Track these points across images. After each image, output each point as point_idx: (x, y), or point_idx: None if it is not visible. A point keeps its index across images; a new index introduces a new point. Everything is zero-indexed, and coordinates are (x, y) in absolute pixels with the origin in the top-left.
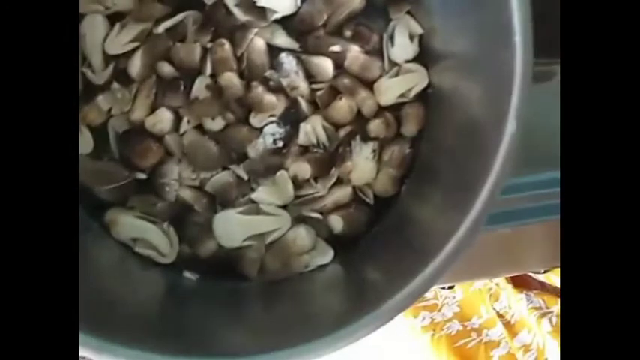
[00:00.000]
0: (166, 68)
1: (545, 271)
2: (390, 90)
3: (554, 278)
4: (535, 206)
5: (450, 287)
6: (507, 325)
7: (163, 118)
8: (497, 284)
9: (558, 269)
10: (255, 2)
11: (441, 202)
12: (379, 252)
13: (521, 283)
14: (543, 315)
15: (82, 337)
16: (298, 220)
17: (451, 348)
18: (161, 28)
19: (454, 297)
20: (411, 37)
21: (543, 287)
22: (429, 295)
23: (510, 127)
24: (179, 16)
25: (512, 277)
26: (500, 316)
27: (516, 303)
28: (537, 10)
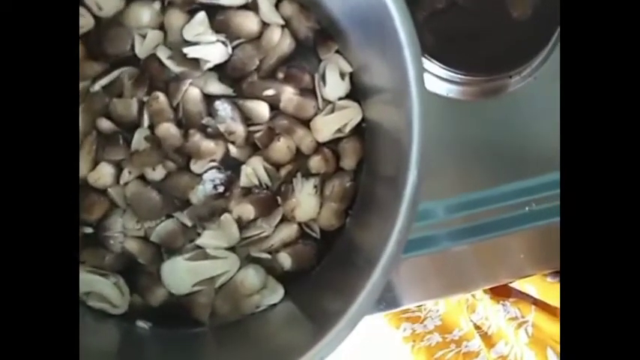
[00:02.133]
0: (105, 124)
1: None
2: (326, 127)
3: (526, 286)
4: (497, 219)
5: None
6: (484, 336)
7: (105, 173)
8: (473, 295)
9: (530, 278)
10: (186, 54)
11: (382, 226)
12: (330, 282)
13: (498, 292)
14: (520, 325)
15: None
16: (247, 261)
17: (431, 359)
18: (97, 86)
19: (437, 310)
20: (342, 75)
21: (520, 295)
22: (412, 307)
23: (415, 136)
24: (115, 73)
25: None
26: (477, 327)
27: (494, 314)
28: (485, 29)
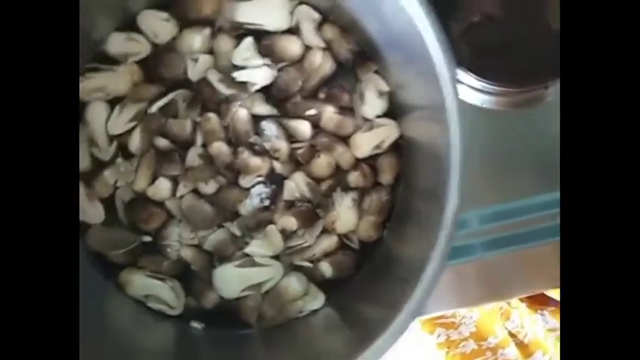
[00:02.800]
0: (162, 142)
1: None
2: (364, 144)
3: None
4: (535, 229)
5: None
6: (520, 345)
7: (162, 187)
8: (508, 303)
9: None
10: (235, 78)
11: (420, 238)
12: (368, 291)
13: (536, 301)
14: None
15: None
16: (290, 268)
17: None
18: (155, 108)
19: (472, 317)
20: (380, 94)
21: (559, 305)
22: (447, 313)
23: (454, 150)
24: (170, 96)
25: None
26: (512, 335)
27: (531, 324)
28: (520, 40)
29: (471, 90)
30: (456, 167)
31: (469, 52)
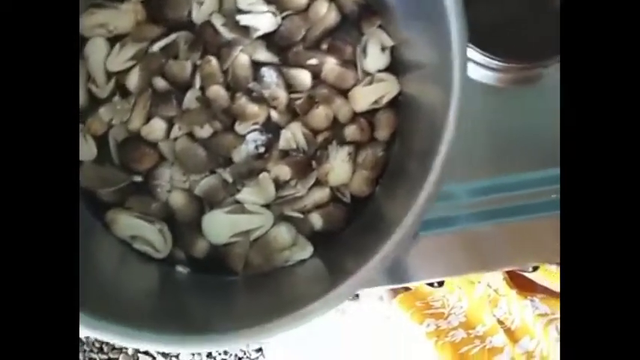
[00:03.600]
0: (160, 83)
1: (534, 269)
2: (363, 98)
3: (555, 284)
4: (526, 204)
5: (440, 284)
6: (508, 331)
7: (157, 127)
8: (496, 290)
9: (555, 275)
10: (238, 22)
11: (406, 198)
12: (356, 245)
13: (525, 287)
14: (550, 322)
15: (84, 320)
16: (280, 218)
17: (455, 354)
18: (156, 47)
19: (461, 307)
20: (383, 49)
21: (547, 292)
22: (436, 303)
23: (451, 116)
24: (172, 36)
25: (516, 282)
26: (500, 322)
27: (520, 309)
28: (524, 17)
29: (473, 64)
30: (450, 130)
31: (472, 25)
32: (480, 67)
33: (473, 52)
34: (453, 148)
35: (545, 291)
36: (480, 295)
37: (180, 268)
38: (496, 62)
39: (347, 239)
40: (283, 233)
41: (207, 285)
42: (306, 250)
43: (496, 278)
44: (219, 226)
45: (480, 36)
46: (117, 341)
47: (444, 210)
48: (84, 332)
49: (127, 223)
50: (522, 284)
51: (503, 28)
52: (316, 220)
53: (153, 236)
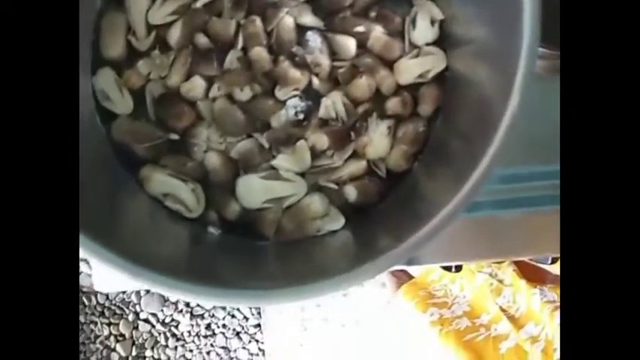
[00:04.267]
0: (202, 40)
1: (553, 261)
2: (409, 70)
3: None
4: (548, 194)
5: (457, 269)
6: (512, 319)
7: (197, 85)
8: (500, 281)
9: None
10: None
11: (449, 179)
12: (389, 222)
13: (535, 277)
14: (557, 308)
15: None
16: (314, 188)
17: (460, 342)
18: (199, 3)
19: (464, 297)
20: (432, 22)
21: (557, 281)
22: (439, 293)
23: (513, 101)
24: None
25: (525, 273)
26: (503, 310)
27: (527, 298)
28: (552, 4)
29: None
30: (509, 119)
31: None
32: None
33: None
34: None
35: (556, 280)
36: (481, 284)
37: (211, 229)
38: (541, 49)
39: (380, 214)
40: (316, 203)
41: (238, 248)
42: (338, 221)
43: (504, 269)
44: (253, 190)
45: None
46: (147, 285)
47: None
48: (115, 272)
49: (161, 181)
50: (532, 275)
51: (549, 13)
52: (350, 192)
53: (186, 195)
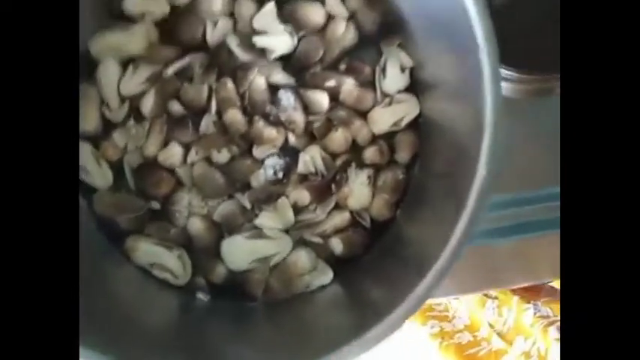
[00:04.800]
0: (176, 107)
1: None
2: (382, 119)
3: None
4: (542, 219)
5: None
6: (500, 334)
7: (174, 152)
8: (486, 294)
9: None
10: (254, 43)
11: (434, 222)
12: (377, 271)
13: (529, 292)
14: (551, 323)
15: (100, 354)
16: (300, 243)
17: (461, 356)
18: (170, 70)
19: (464, 310)
20: (402, 69)
21: (552, 294)
22: (439, 306)
23: (487, 137)
24: (187, 59)
25: (518, 288)
26: (491, 326)
27: (516, 313)
28: (535, 29)
29: None
30: (485, 160)
31: None
32: None
33: None
34: (487, 181)
35: (551, 293)
36: (474, 298)
37: (200, 295)
38: (513, 73)
39: (368, 265)
40: (303, 258)
41: (228, 312)
42: (326, 275)
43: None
44: (238, 251)
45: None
46: None
47: None
48: None
49: (147, 251)
50: (525, 290)
51: (521, 37)
52: (336, 245)
53: (172, 263)
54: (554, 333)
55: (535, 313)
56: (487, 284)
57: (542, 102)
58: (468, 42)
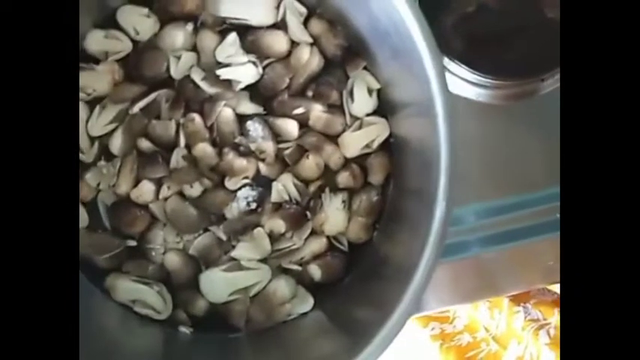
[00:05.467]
0: (145, 144)
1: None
2: (353, 143)
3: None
4: (530, 225)
5: None
6: (495, 338)
7: (146, 190)
8: None
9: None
10: (219, 75)
11: (410, 239)
12: (359, 293)
13: (518, 295)
14: (541, 327)
15: None
16: (279, 271)
17: (462, 358)
18: (136, 108)
19: (464, 310)
20: (370, 91)
21: (541, 294)
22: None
23: (444, 145)
24: (152, 95)
25: None
26: (486, 330)
27: (507, 316)
28: (514, 33)
29: (466, 83)
30: (445, 167)
31: (463, 44)
32: (473, 86)
33: (464, 72)
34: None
35: (540, 294)
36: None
37: (183, 329)
38: (488, 80)
39: (349, 287)
40: (282, 287)
41: (212, 343)
42: (307, 303)
43: None
44: (217, 284)
45: (471, 54)
46: None
47: (454, 236)
48: None
49: (126, 288)
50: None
51: (495, 44)
52: (315, 271)
53: (152, 299)
54: (545, 337)
55: (526, 317)
56: (484, 293)
57: (523, 105)
58: (417, 59)
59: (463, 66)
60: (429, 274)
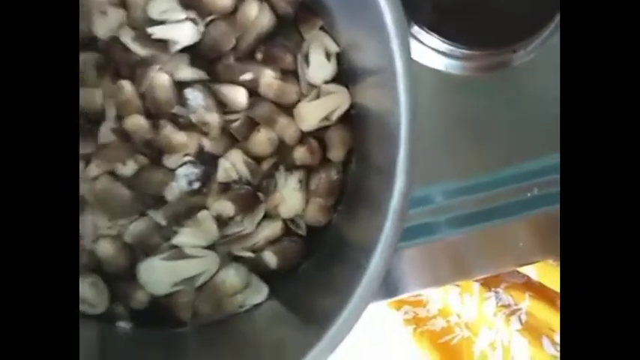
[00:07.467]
0: None
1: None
2: (311, 114)
3: (527, 267)
4: (501, 204)
5: None
6: (467, 325)
7: None
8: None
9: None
10: (152, 35)
11: (372, 217)
12: (317, 279)
13: (489, 279)
14: (513, 312)
15: None
16: (228, 259)
17: (435, 343)
18: None
19: (437, 293)
20: (328, 56)
21: (513, 278)
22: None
23: (404, 117)
24: None
25: None
26: (458, 316)
27: (478, 302)
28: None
29: (435, 53)
30: (405, 138)
31: (433, 12)
32: (443, 56)
33: (434, 40)
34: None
35: (512, 277)
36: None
37: (121, 324)
38: (460, 50)
39: (306, 274)
40: (232, 276)
41: (155, 340)
42: (261, 293)
43: None
44: (157, 275)
45: (441, 22)
46: None
47: (422, 216)
48: None
49: None
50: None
51: (466, 12)
52: (270, 258)
53: (85, 290)
54: (516, 324)
55: (497, 303)
56: (450, 278)
57: (494, 77)
58: (378, 21)
59: (433, 34)
60: (389, 254)
